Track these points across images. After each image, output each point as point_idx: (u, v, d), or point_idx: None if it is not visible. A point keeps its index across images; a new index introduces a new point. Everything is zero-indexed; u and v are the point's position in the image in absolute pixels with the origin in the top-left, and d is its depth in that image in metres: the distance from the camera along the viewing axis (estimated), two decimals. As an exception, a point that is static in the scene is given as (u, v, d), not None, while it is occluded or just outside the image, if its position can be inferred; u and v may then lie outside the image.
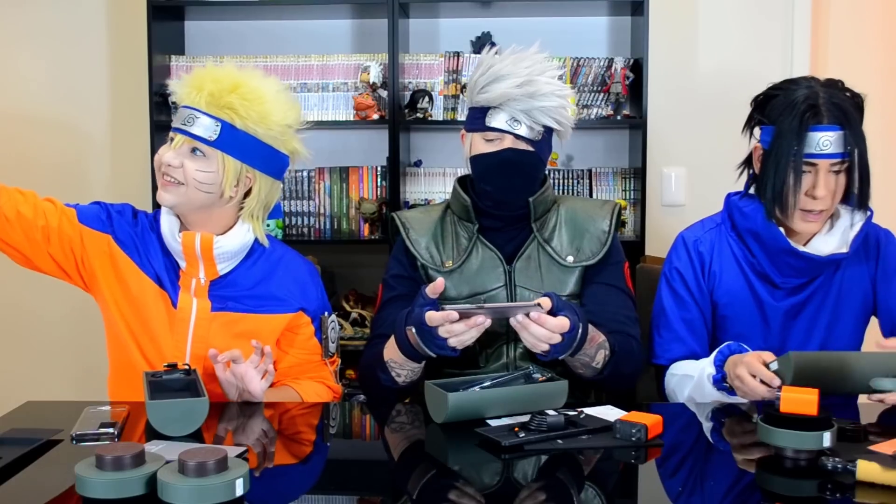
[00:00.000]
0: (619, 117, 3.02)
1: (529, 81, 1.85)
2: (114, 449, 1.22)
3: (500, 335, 1.90)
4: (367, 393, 1.94)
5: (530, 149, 1.88)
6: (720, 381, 1.74)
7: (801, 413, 1.35)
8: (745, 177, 1.96)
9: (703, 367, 1.80)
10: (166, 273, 1.84)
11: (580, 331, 1.67)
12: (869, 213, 1.85)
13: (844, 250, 1.83)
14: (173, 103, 2.99)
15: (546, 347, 1.63)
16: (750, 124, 1.90)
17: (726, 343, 1.80)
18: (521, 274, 1.92)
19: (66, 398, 1.80)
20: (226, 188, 1.79)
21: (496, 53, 1.92)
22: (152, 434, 1.48)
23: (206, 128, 1.76)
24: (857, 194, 1.80)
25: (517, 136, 1.87)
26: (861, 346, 1.98)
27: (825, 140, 1.73)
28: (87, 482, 1.19)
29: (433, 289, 1.69)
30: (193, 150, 1.78)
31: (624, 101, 3.03)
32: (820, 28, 3.20)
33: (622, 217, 2.99)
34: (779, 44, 3.16)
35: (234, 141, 1.77)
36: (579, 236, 1.96)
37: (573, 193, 3.11)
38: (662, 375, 1.96)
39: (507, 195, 1.92)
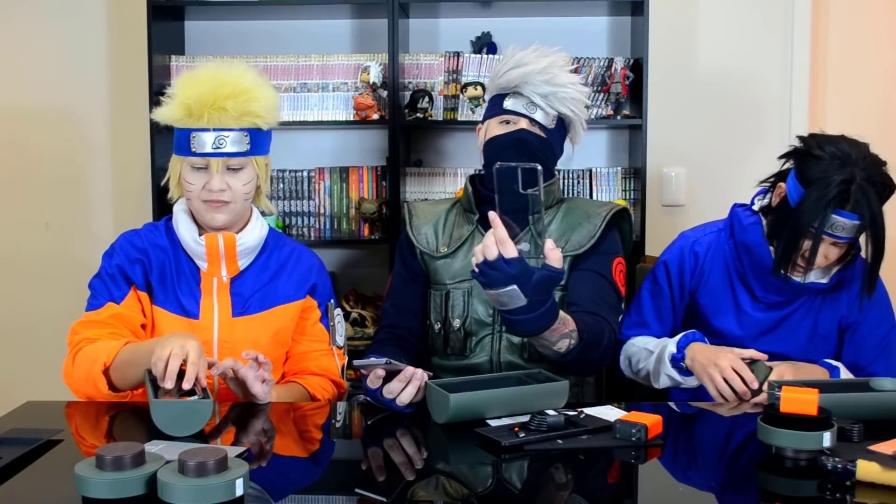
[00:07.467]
0: (619, 117, 3.02)
1: (550, 69, 1.90)
2: (114, 449, 1.22)
3: (487, 325, 1.94)
4: None
5: (544, 135, 1.91)
6: (679, 360, 1.86)
7: (801, 413, 1.35)
8: (746, 186, 2.01)
9: (666, 345, 1.90)
10: (185, 281, 1.87)
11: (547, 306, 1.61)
12: (856, 248, 1.89)
13: (824, 281, 1.90)
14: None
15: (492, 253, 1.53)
16: (788, 156, 1.88)
17: (691, 330, 1.90)
18: None
19: (66, 398, 1.80)
20: (262, 184, 1.89)
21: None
22: (152, 434, 1.48)
23: (238, 143, 1.81)
24: (866, 280, 1.85)
25: (532, 121, 1.90)
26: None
27: (841, 225, 1.77)
28: (87, 482, 1.19)
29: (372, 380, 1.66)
30: (227, 166, 1.82)
31: (624, 101, 3.02)
32: (820, 29, 3.20)
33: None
34: (779, 44, 3.15)
35: (259, 142, 1.86)
36: (570, 230, 1.97)
37: (574, 194, 3.10)
38: (620, 346, 2.05)
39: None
